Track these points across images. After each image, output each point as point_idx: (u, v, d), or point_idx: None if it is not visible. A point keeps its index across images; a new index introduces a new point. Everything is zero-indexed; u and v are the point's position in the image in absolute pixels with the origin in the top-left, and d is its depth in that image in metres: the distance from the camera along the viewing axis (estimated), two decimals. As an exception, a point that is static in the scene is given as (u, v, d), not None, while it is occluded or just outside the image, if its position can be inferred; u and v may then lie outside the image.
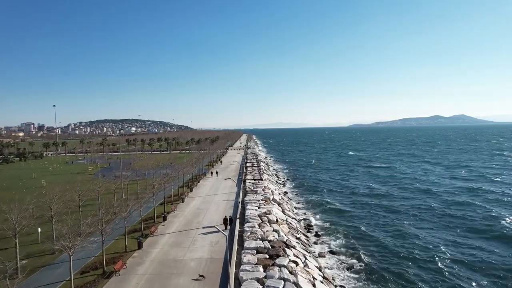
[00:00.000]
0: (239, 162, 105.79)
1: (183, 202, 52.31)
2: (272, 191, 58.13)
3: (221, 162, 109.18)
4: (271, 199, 51.41)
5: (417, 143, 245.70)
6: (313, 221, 49.51)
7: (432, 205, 57.40)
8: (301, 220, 49.44)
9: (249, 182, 65.76)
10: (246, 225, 37.33)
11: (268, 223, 38.41)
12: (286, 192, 69.44)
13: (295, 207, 58.27)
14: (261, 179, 69.59)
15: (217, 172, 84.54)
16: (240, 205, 48.10)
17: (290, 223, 42.64)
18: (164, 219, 41.99)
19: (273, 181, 76.73)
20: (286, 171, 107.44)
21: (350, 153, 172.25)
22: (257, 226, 37.08)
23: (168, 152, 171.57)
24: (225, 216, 37.37)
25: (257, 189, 58.11)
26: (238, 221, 39.57)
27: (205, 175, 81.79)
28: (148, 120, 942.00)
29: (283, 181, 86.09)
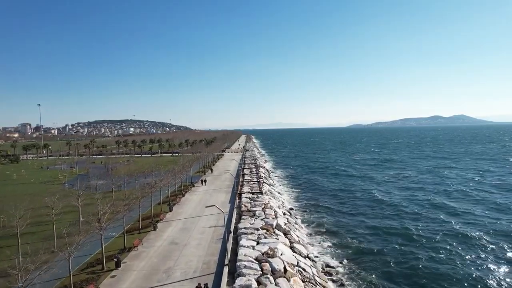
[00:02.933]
0: (233, 173, 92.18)
1: (155, 229, 38.68)
2: (275, 210, 44.60)
3: (211, 170, 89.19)
4: (274, 225, 37.88)
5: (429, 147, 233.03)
6: (333, 262, 35.70)
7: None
8: (316, 258, 35.67)
9: (246, 197, 52.23)
10: (237, 282, 23.79)
11: (271, 277, 24.84)
12: (291, 208, 55.81)
13: (305, 232, 44.64)
14: (261, 192, 56.10)
15: (205, 181, 71.26)
16: (231, 235, 34.68)
17: (304, 270, 29.06)
18: (117, 264, 28.36)
19: (275, 193, 63.19)
20: (288, 178, 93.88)
21: (356, 158, 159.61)
22: (254, 283, 23.60)
23: (160, 155, 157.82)
24: (199, 284, 23.58)
25: (255, 208, 44.57)
26: (226, 270, 26.09)
27: (194, 185, 68.12)
28: (147, 121, 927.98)
29: (286, 192, 72.54)
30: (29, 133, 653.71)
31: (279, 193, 67.06)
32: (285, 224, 40.99)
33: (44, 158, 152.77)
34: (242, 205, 46.88)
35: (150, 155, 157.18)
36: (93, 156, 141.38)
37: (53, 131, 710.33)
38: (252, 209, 44.44)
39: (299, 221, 49.44)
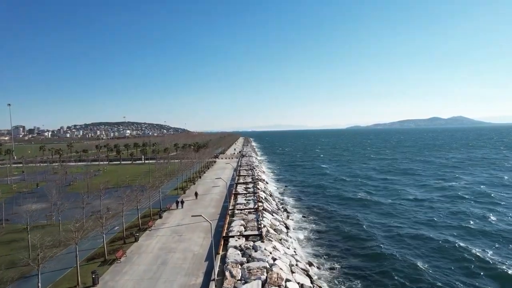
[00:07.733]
0: (223, 188, 70.45)
1: None
2: (287, 288, 23.41)
3: (196, 195, 58.53)
4: None
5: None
6: None
7: None
8: None
9: (236, 247, 31.08)
10: None
11: None
12: (311, 264, 34.42)
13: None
14: (261, 234, 34.78)
15: (182, 203, 51.02)
16: None
17: None
18: None
19: (280, 228, 41.81)
20: (294, 197, 72.73)
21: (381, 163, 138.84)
22: None
23: (142, 161, 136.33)
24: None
25: (250, 285, 23.39)
26: None
27: (161, 216, 46.67)
28: (145, 123, 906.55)
29: (296, 218, 51.32)
30: (21, 136, 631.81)
31: (286, 226, 45.70)
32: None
33: (7, 166, 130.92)
34: (227, 272, 25.72)
35: (131, 162, 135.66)
36: (62, 164, 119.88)
37: (46, 134, 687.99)
38: (243, 286, 23.24)
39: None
